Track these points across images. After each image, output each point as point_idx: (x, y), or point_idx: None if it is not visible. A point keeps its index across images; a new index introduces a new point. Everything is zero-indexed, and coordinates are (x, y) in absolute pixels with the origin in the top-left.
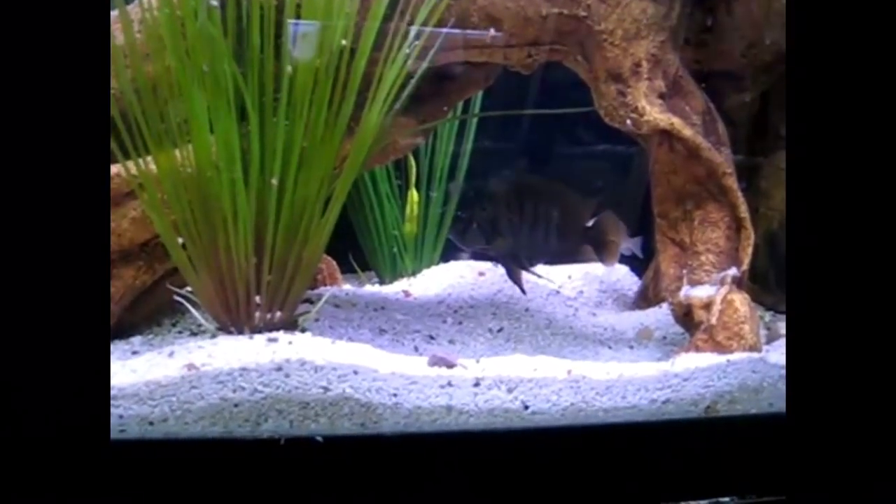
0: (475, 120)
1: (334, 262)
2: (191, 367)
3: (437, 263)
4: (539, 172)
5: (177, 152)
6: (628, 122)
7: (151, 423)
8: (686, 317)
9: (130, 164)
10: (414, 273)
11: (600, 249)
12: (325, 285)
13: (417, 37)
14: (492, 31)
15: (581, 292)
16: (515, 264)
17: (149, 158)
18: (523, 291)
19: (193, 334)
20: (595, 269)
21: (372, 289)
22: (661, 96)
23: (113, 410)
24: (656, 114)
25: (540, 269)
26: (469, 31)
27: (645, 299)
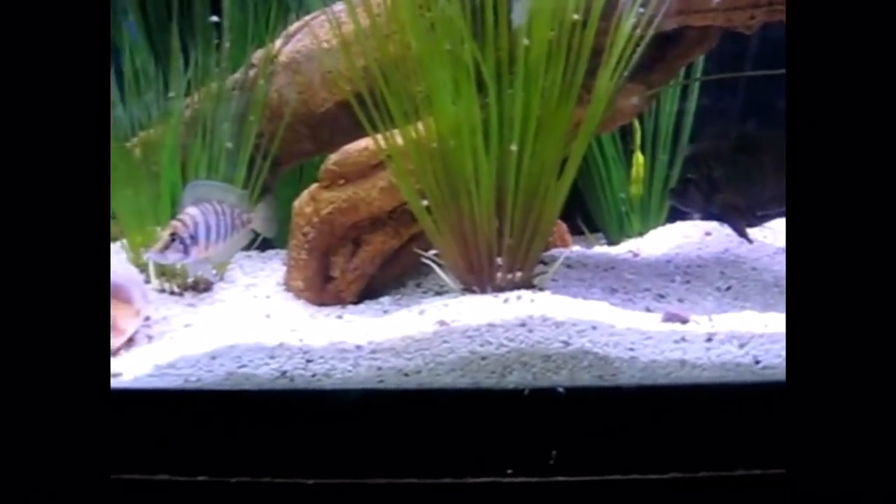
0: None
1: (564, 225)
2: (442, 323)
3: (664, 224)
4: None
5: (420, 125)
6: None
7: (406, 375)
8: None
9: (378, 136)
10: (641, 234)
11: None
12: (556, 247)
13: (644, 4)
14: None
15: None
16: (738, 216)
17: (395, 131)
18: (749, 241)
19: (437, 294)
20: None
21: (600, 249)
22: None
23: (372, 363)
24: None
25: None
26: None
27: None
